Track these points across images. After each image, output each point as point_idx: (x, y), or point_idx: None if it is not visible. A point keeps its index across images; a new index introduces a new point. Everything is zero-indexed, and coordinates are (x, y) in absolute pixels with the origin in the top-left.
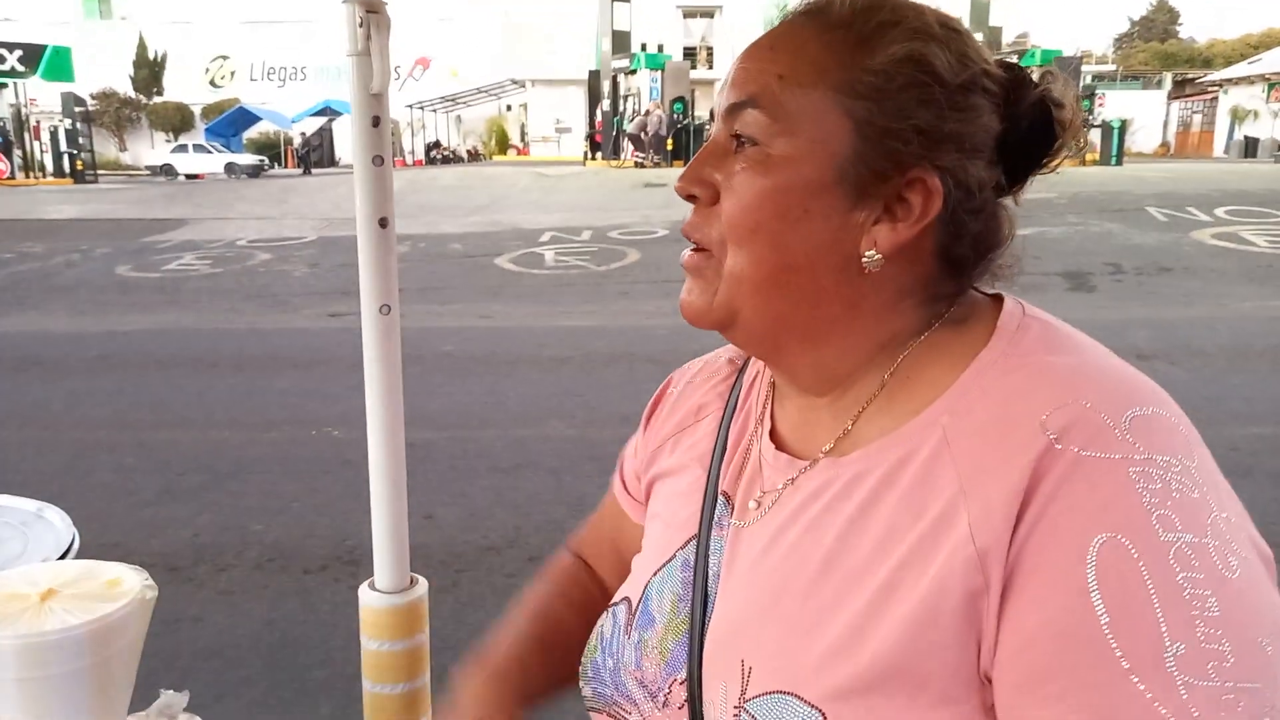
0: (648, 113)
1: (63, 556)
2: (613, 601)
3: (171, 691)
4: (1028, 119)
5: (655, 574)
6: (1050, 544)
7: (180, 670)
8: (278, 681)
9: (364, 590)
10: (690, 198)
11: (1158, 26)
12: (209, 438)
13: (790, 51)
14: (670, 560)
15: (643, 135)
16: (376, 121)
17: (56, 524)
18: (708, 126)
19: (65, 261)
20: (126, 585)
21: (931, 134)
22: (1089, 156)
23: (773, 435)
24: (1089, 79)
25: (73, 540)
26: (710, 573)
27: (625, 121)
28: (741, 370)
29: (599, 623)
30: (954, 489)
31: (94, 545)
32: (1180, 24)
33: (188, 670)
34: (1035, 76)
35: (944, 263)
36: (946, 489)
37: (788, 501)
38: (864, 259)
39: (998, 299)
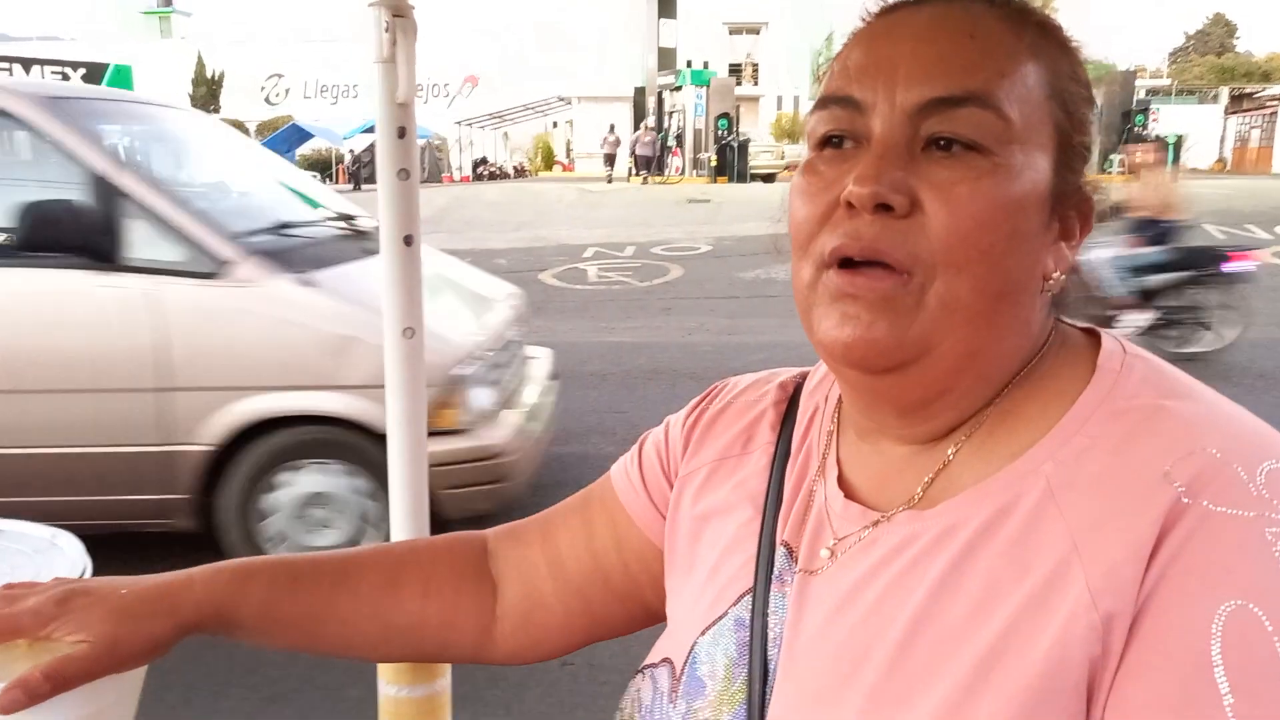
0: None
1: None
2: (649, 662)
3: None
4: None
5: (704, 633)
6: (1171, 608)
7: (216, 686)
8: (312, 700)
9: None
10: (879, 208)
11: (1214, 40)
12: None
13: (998, 41)
14: (721, 618)
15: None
16: (403, 133)
17: (69, 551)
18: (749, 140)
19: None
20: None
21: (1088, 149)
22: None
23: (840, 481)
24: (1143, 94)
25: (83, 570)
26: (770, 635)
27: (670, 136)
28: (793, 398)
29: (633, 687)
30: (1065, 546)
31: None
32: (1238, 37)
33: (222, 687)
34: None
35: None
36: (1056, 546)
37: (862, 557)
38: (1049, 281)
39: (1090, 333)
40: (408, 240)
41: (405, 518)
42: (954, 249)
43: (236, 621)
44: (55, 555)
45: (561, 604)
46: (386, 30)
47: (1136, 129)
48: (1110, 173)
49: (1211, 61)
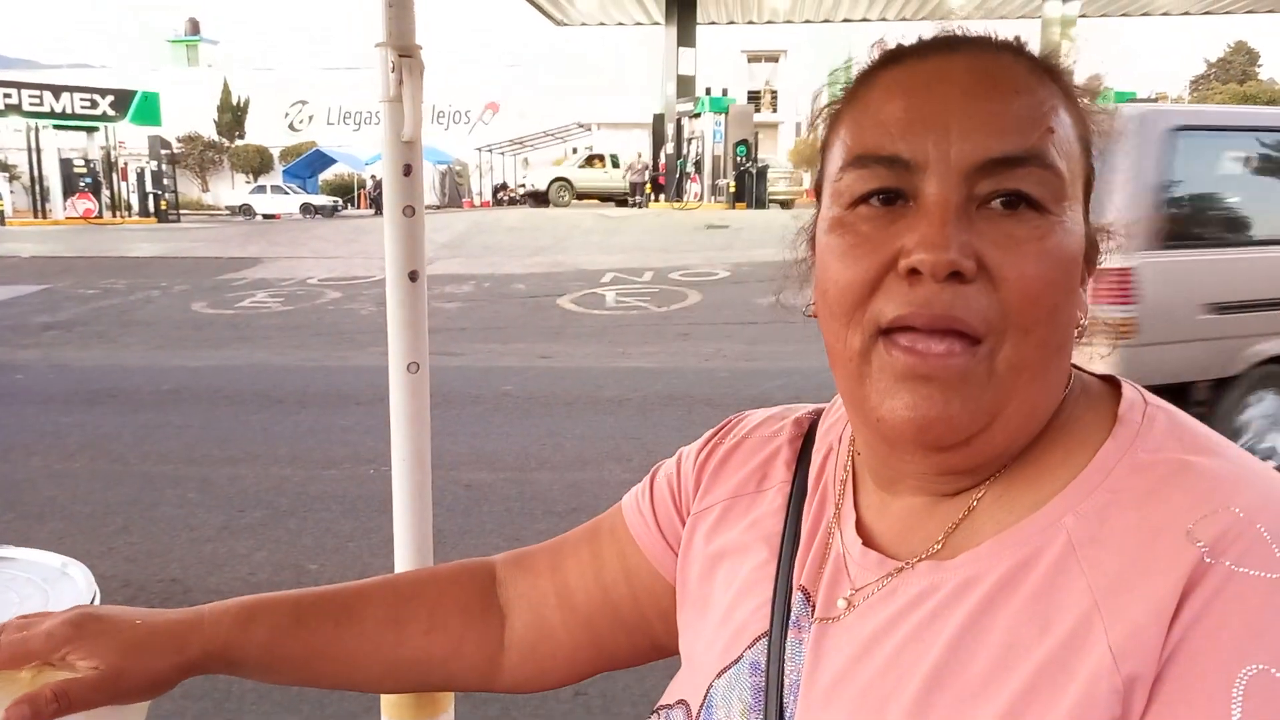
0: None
1: None
2: (664, 703)
3: None
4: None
5: (719, 675)
6: (1192, 671)
7: (230, 710)
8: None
9: None
10: (951, 275)
11: (1235, 68)
12: (271, 474)
13: (1040, 98)
14: (737, 661)
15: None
16: (408, 170)
17: (79, 581)
18: (768, 167)
19: (144, 298)
20: None
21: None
22: None
23: (858, 527)
24: None
25: (93, 599)
26: (786, 682)
27: (688, 163)
28: (808, 435)
29: None
30: (1086, 604)
31: (154, 581)
32: (1260, 65)
33: (237, 711)
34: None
35: None
36: (1078, 603)
37: (880, 606)
38: (1081, 325)
39: (1109, 381)
40: (413, 276)
41: (409, 550)
42: (1025, 312)
43: (240, 662)
44: (65, 584)
45: (569, 635)
46: (393, 70)
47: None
48: None
49: (1234, 89)
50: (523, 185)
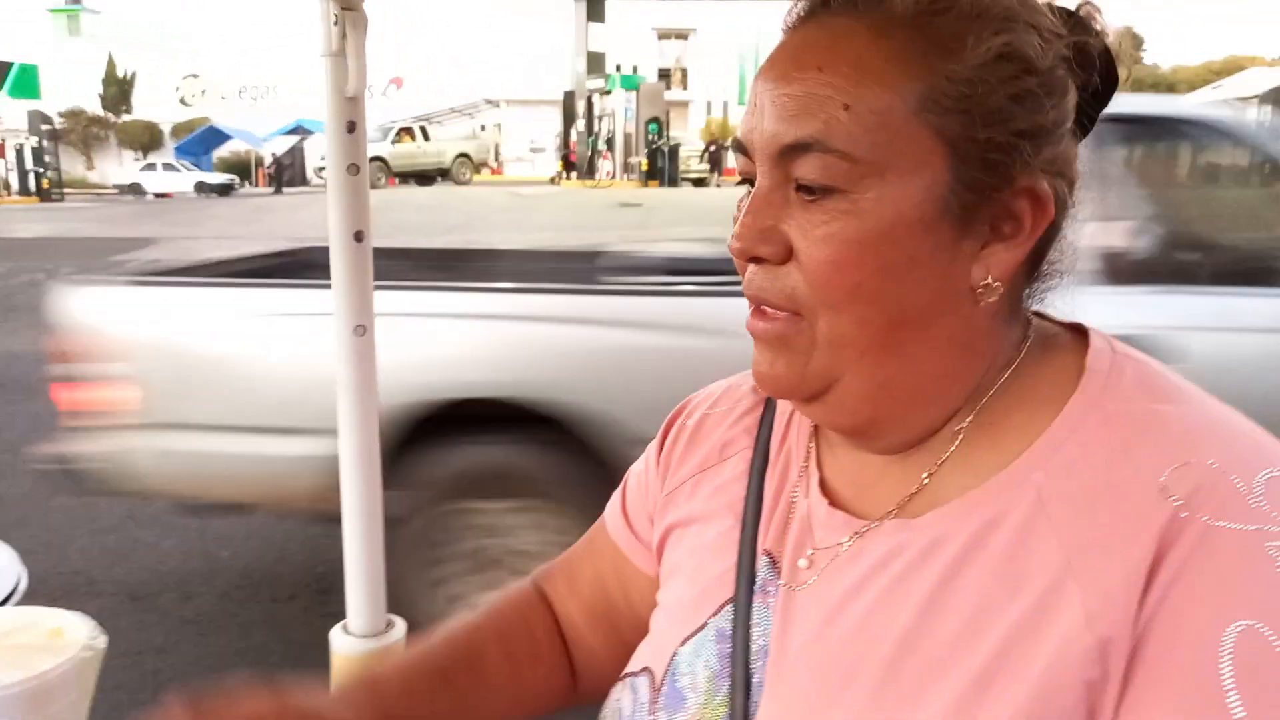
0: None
1: (5, 600)
2: (629, 670)
3: None
4: (1099, 70)
5: (684, 643)
6: (1177, 632)
7: (144, 703)
8: None
9: (336, 634)
10: (754, 260)
11: (1123, 52)
12: None
13: (847, 70)
14: (702, 628)
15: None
16: (352, 127)
17: (2, 563)
18: (679, 145)
19: (29, 280)
20: (70, 636)
21: (1033, 133)
22: None
23: (822, 487)
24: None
25: (18, 582)
26: (753, 646)
27: (600, 141)
28: (768, 402)
29: (613, 696)
30: (1058, 563)
31: (55, 574)
32: (1144, 49)
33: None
34: (1082, 13)
35: (1029, 278)
36: (1049, 562)
37: (848, 568)
38: (980, 290)
39: (1075, 329)
40: (358, 236)
41: (356, 513)
42: (824, 290)
43: None
44: None
45: (601, 643)
46: (336, 23)
47: None
48: None
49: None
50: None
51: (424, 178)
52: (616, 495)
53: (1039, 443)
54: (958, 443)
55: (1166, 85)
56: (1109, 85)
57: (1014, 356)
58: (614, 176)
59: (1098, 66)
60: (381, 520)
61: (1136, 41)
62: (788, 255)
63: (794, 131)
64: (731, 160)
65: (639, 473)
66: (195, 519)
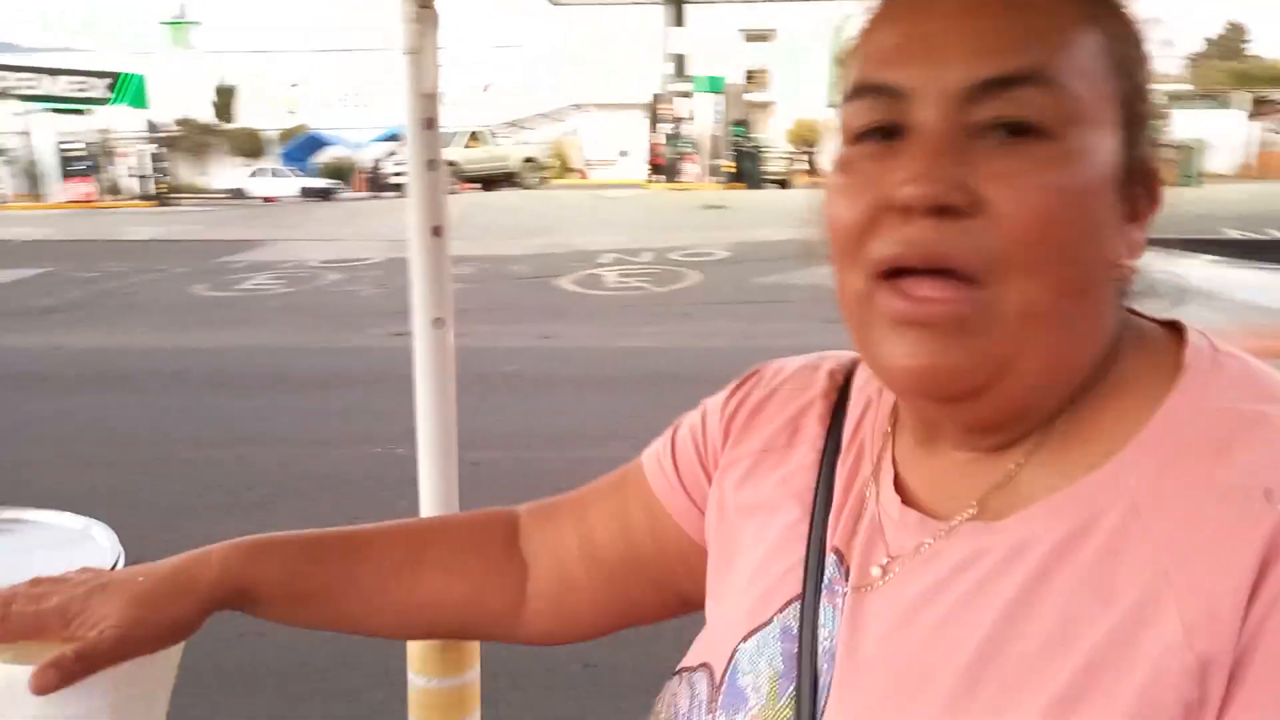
0: None
1: None
2: (685, 665)
3: None
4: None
5: (746, 639)
6: None
7: (245, 684)
8: (333, 701)
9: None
10: (940, 210)
11: (1232, 45)
12: (276, 454)
13: (1047, 11)
14: (766, 625)
15: None
16: (430, 123)
17: (102, 543)
18: (764, 147)
19: (145, 281)
20: None
21: (1151, 116)
22: None
23: (896, 484)
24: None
25: (117, 560)
26: (820, 649)
27: (684, 144)
28: (843, 389)
29: (668, 690)
30: (1152, 572)
31: (161, 558)
32: (1247, 40)
33: (252, 684)
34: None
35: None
36: (1143, 571)
37: (923, 571)
38: (1121, 268)
39: (1172, 326)
40: (436, 231)
41: (435, 508)
42: (1028, 248)
43: (255, 597)
44: (89, 547)
45: (594, 587)
46: (414, 21)
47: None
48: None
49: (1233, 67)
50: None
51: (489, 182)
52: (662, 446)
53: (1133, 443)
54: (1050, 436)
55: (1270, 78)
56: None
57: (1107, 352)
58: (699, 179)
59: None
60: (458, 508)
61: (1240, 33)
62: (977, 207)
63: (1002, 64)
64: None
65: (694, 427)
66: (294, 512)
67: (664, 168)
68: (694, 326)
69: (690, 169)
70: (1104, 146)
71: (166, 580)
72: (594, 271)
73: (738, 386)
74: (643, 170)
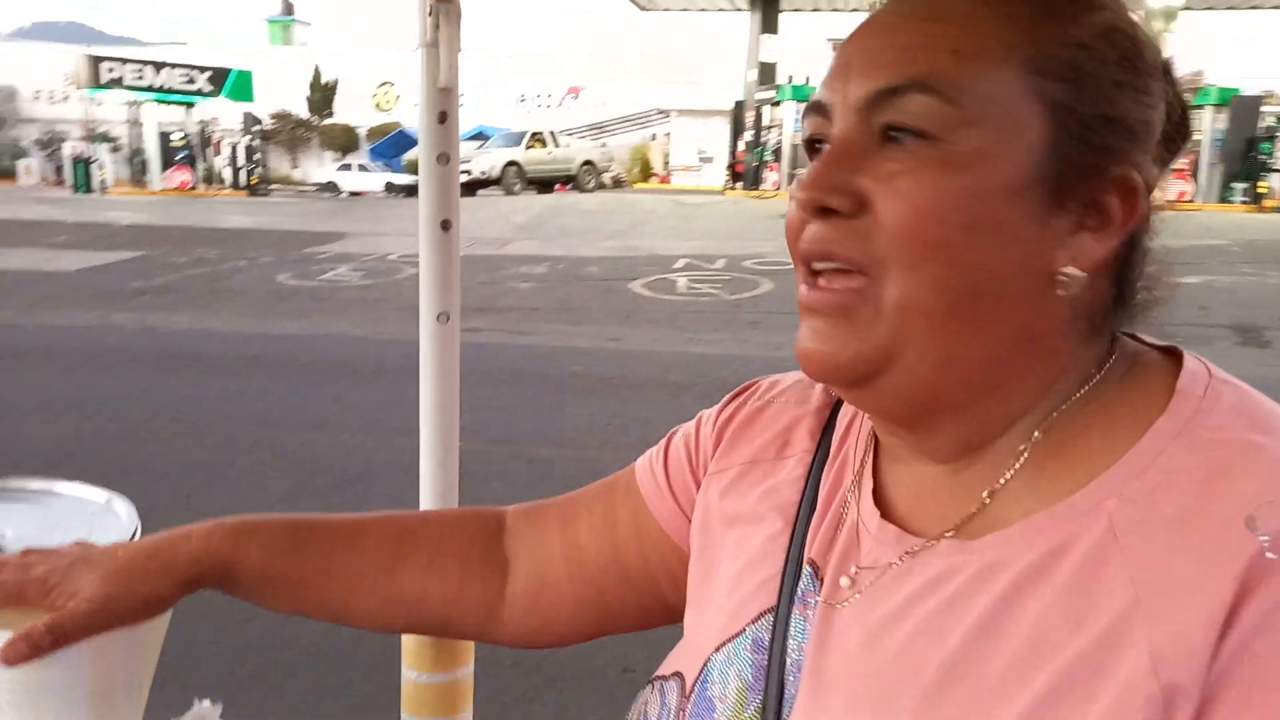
0: None
1: None
2: (660, 673)
3: (206, 703)
4: (1179, 111)
5: (719, 649)
6: (1259, 688)
7: (284, 668)
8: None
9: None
10: (822, 211)
11: None
12: (341, 441)
13: (959, 22)
14: (739, 635)
15: None
16: (444, 117)
17: (122, 516)
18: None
19: (233, 268)
20: None
21: (1131, 125)
22: (1268, 203)
23: (876, 498)
24: (1272, 120)
25: (134, 534)
26: (789, 661)
27: (766, 152)
28: (837, 404)
29: (640, 698)
30: (1127, 599)
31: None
32: None
33: (292, 667)
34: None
35: (1115, 288)
36: (1117, 597)
37: (895, 587)
38: (1061, 277)
39: (1170, 353)
40: (445, 225)
41: (434, 501)
42: (902, 244)
43: (234, 577)
44: (109, 519)
45: (574, 591)
46: (430, 14)
47: (1262, 157)
48: (1233, 201)
49: None
50: (466, 172)
51: (546, 184)
52: (655, 452)
53: (1116, 467)
54: (1024, 460)
55: None
56: (1179, 139)
57: (1093, 374)
58: (780, 187)
59: (1180, 105)
60: (456, 503)
61: None
62: (861, 208)
63: (892, 76)
64: None
65: (688, 436)
66: (353, 499)
67: (745, 175)
68: (762, 335)
69: (771, 177)
70: (1006, 148)
71: (144, 556)
72: (666, 276)
73: (733, 397)
74: (723, 176)
